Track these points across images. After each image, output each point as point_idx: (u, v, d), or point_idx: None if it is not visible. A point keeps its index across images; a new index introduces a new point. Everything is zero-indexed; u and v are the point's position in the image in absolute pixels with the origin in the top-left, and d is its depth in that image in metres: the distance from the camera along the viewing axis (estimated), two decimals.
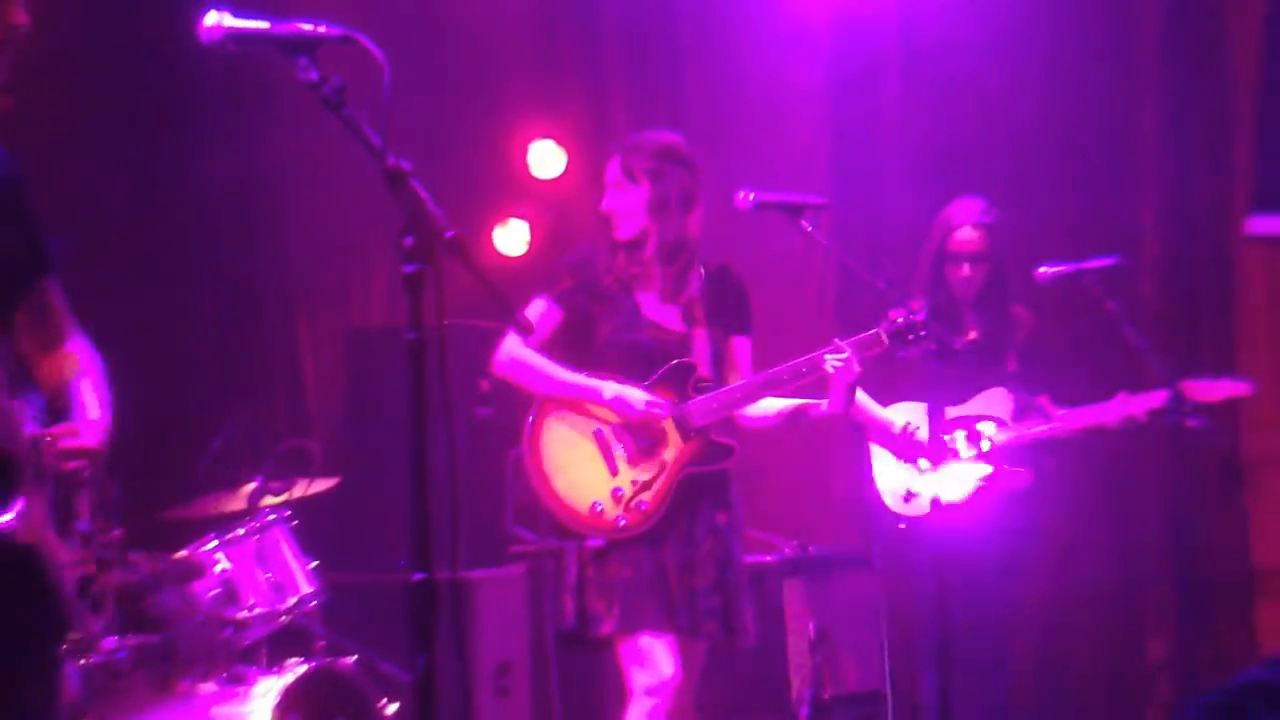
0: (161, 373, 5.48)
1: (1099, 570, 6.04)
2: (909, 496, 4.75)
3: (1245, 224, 5.68)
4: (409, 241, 2.47)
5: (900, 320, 3.83)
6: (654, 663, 3.80)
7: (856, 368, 3.82)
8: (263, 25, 2.51)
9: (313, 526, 4.76)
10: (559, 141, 6.61)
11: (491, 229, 6.59)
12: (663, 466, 3.86)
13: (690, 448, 3.88)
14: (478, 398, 5.57)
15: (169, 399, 5.48)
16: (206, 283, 5.96)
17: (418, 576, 2.41)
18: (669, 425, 3.89)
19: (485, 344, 4.06)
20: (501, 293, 2.62)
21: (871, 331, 3.86)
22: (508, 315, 2.70)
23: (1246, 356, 5.69)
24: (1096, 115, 5.92)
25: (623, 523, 3.83)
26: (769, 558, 5.75)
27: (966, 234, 4.82)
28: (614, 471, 3.88)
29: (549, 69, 6.81)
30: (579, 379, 3.90)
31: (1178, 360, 5.00)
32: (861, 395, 4.86)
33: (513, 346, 3.95)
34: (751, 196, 3.95)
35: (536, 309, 3.95)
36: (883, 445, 4.90)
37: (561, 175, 6.60)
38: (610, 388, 3.86)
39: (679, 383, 3.91)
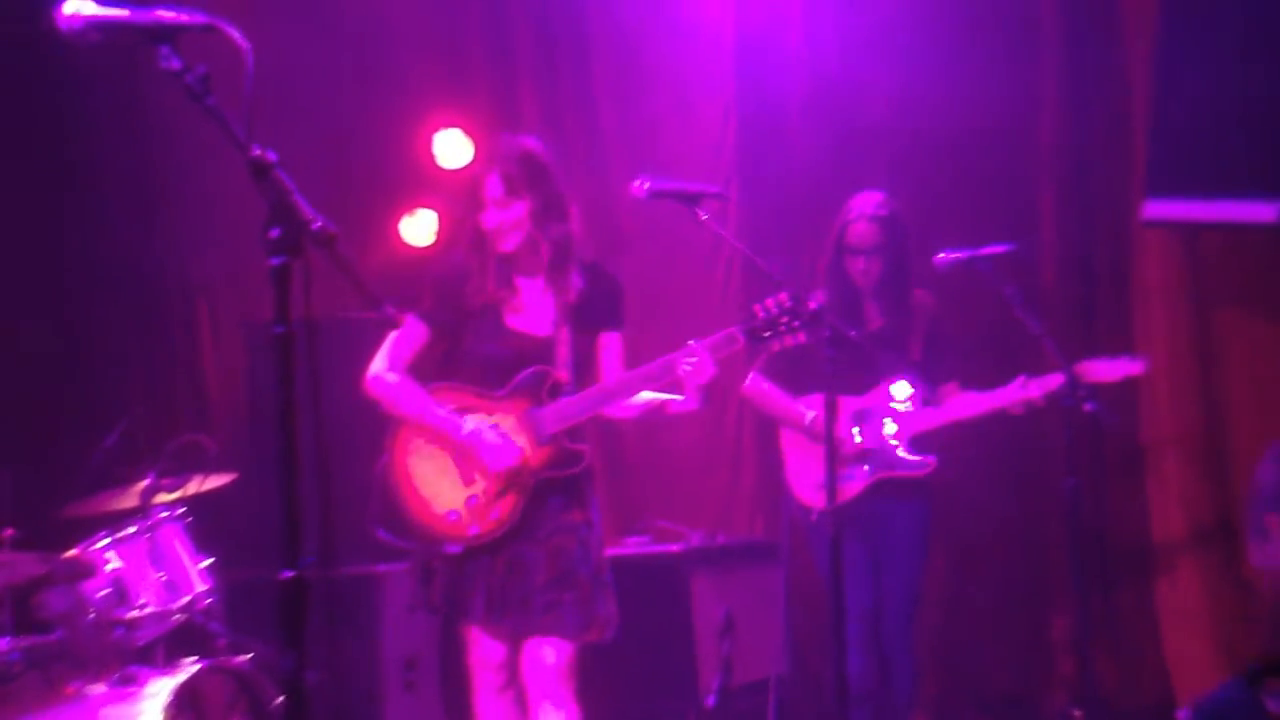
0: (56, 366, 5.39)
1: (1001, 554, 6.10)
2: (823, 486, 4.75)
3: (1141, 209, 5.73)
4: (275, 234, 2.44)
5: (761, 315, 3.83)
6: (481, 649, 3.94)
7: (710, 369, 3.82)
8: (123, 13, 2.45)
9: (212, 523, 4.69)
10: (466, 131, 6.57)
11: (398, 219, 6.54)
12: (516, 474, 3.85)
13: (542, 454, 3.88)
14: None
15: (63, 393, 5.39)
16: (105, 274, 5.85)
17: (285, 574, 2.39)
18: (522, 434, 3.88)
19: (374, 336, 4.02)
20: (368, 286, 2.59)
21: (726, 331, 3.87)
22: (375, 309, 2.67)
23: (1143, 340, 5.75)
24: (996, 102, 5.96)
25: (475, 531, 3.85)
26: (677, 547, 5.76)
27: (862, 228, 4.86)
28: (468, 481, 3.88)
29: (455, 58, 6.76)
30: (438, 411, 3.90)
31: (1075, 344, 5.05)
32: (772, 388, 4.90)
33: (381, 368, 3.97)
34: (647, 185, 3.93)
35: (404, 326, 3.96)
36: (793, 437, 4.92)
37: (468, 165, 6.55)
38: (468, 424, 3.87)
39: (534, 390, 3.89)
